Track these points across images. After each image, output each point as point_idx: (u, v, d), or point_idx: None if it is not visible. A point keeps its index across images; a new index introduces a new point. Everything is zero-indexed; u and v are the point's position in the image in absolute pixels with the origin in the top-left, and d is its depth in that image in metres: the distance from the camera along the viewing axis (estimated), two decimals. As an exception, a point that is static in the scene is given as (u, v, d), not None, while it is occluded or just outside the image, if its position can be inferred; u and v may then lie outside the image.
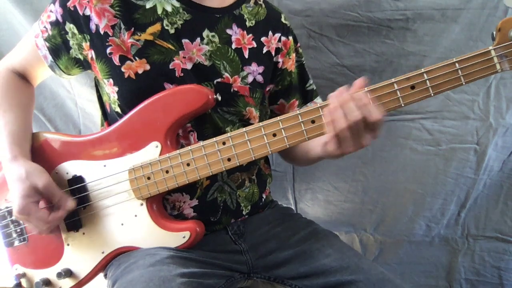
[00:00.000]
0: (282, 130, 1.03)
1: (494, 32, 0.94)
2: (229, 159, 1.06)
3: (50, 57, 1.18)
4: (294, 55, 1.31)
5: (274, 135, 1.04)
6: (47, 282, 1.17)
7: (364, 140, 0.95)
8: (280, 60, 1.28)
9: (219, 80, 1.16)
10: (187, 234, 1.10)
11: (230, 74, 1.17)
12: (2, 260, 1.25)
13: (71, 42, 1.14)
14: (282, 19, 1.30)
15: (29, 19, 1.54)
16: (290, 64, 1.30)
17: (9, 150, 1.12)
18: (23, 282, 1.20)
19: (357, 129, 0.94)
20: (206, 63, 1.15)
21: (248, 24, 1.22)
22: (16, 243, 1.21)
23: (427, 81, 0.96)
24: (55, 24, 1.14)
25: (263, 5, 1.28)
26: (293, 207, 1.88)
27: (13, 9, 1.56)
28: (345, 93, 0.95)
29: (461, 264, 1.87)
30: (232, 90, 1.18)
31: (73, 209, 1.11)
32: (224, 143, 1.06)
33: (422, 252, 1.88)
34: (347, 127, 0.93)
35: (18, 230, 1.20)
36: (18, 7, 1.55)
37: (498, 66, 0.94)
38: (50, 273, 1.17)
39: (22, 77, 1.27)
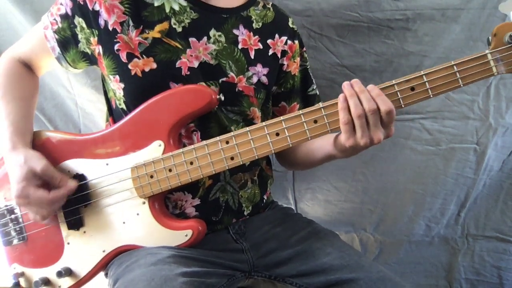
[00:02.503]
0: (285, 130, 1.04)
1: (490, 37, 0.98)
2: (232, 158, 1.07)
3: (58, 49, 1.19)
4: (298, 59, 1.32)
5: (277, 134, 1.05)
6: (46, 281, 1.17)
7: (376, 134, 0.97)
8: (285, 62, 1.28)
9: (224, 79, 1.16)
10: (189, 232, 1.10)
11: (235, 74, 1.17)
12: (1, 259, 1.24)
13: (79, 36, 1.15)
14: (290, 23, 1.31)
15: (29, 19, 1.54)
16: (294, 67, 1.30)
17: (10, 140, 1.12)
18: (22, 281, 1.19)
19: (372, 120, 0.96)
20: (212, 62, 1.15)
21: (255, 26, 1.23)
22: (15, 241, 1.21)
23: (426, 83, 0.99)
24: (65, 17, 1.14)
25: (272, 9, 1.29)
26: (293, 206, 1.88)
27: (13, 9, 1.56)
28: (358, 84, 0.98)
29: (461, 264, 1.87)
30: (236, 89, 1.18)
31: (75, 188, 1.12)
32: (227, 142, 1.06)
33: (422, 252, 1.88)
34: (362, 115, 0.95)
35: (18, 229, 1.20)
36: (18, 7, 1.55)
37: (494, 69, 0.97)
38: (49, 272, 1.17)
39: (27, 67, 1.28)
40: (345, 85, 0.99)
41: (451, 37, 1.53)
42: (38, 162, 1.08)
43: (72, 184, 1.11)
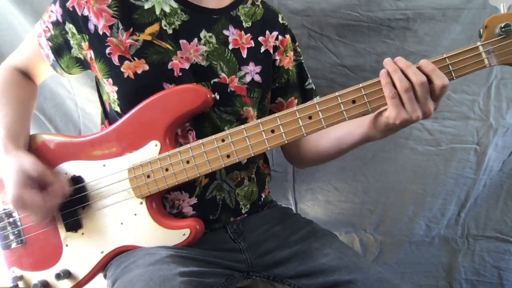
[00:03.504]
0: (280, 126, 1.04)
1: (481, 30, 0.98)
2: (228, 156, 1.07)
3: (52, 56, 1.19)
4: (291, 53, 1.31)
5: (273, 131, 1.04)
6: (45, 284, 1.17)
7: (428, 107, 0.95)
8: (277, 57, 1.27)
9: (216, 80, 1.16)
10: (187, 231, 1.09)
11: (226, 74, 1.17)
12: (0, 263, 1.24)
13: (71, 42, 1.15)
14: (279, 19, 1.30)
15: (29, 19, 1.54)
16: (287, 62, 1.30)
17: (3, 145, 1.12)
18: (21, 284, 1.19)
19: (422, 92, 0.93)
20: (203, 63, 1.15)
21: (245, 25, 1.22)
22: (14, 245, 1.20)
23: None
24: (56, 24, 1.14)
25: (260, 6, 1.28)
26: (293, 207, 1.88)
27: (13, 9, 1.56)
28: (403, 60, 0.96)
29: (461, 264, 1.87)
30: (228, 90, 1.17)
31: (70, 192, 1.11)
32: (223, 140, 1.06)
33: (422, 252, 1.88)
34: (409, 89, 0.93)
35: (16, 232, 1.20)
36: (18, 7, 1.55)
37: (486, 61, 0.97)
38: (48, 274, 1.17)
39: (25, 75, 1.28)
40: (387, 61, 0.97)
41: (451, 37, 1.53)
42: (33, 166, 1.07)
43: (67, 187, 1.11)
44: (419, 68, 0.95)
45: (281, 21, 1.30)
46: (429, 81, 0.94)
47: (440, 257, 1.88)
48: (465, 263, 1.87)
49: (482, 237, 1.82)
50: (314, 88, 1.36)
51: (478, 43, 0.97)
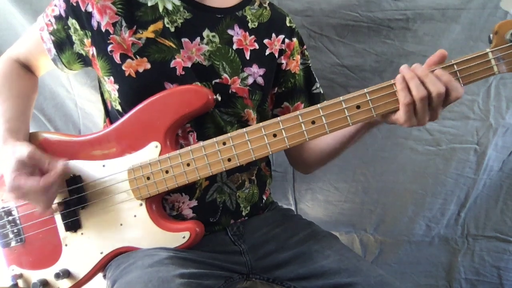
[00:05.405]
0: (283, 131, 1.03)
1: (491, 35, 0.95)
2: (229, 159, 1.06)
3: (54, 51, 1.19)
4: (298, 57, 1.30)
5: (275, 135, 1.03)
6: (44, 282, 1.17)
7: (436, 115, 0.95)
8: (283, 61, 1.26)
9: (217, 80, 1.15)
10: (186, 234, 1.09)
11: (229, 75, 1.16)
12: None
13: (73, 37, 1.14)
14: (287, 22, 1.29)
15: (29, 19, 1.54)
16: (293, 65, 1.28)
17: (2, 137, 1.11)
18: (20, 283, 1.19)
19: (437, 102, 0.93)
20: (205, 63, 1.14)
21: (250, 25, 1.21)
22: (13, 243, 1.21)
23: None
24: (59, 18, 1.14)
25: (268, 8, 1.27)
26: (293, 207, 1.88)
27: (13, 9, 1.57)
28: (421, 68, 0.94)
29: (461, 263, 1.87)
30: (230, 91, 1.16)
31: (64, 168, 1.07)
32: (224, 143, 1.05)
33: (422, 252, 1.88)
34: (425, 98, 0.92)
35: (15, 231, 1.20)
36: (18, 7, 1.55)
37: (495, 69, 0.94)
38: (47, 273, 1.17)
39: (26, 67, 1.28)
40: (403, 68, 0.95)
41: (451, 37, 1.53)
42: (25, 149, 1.05)
43: (61, 165, 1.06)
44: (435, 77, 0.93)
45: (288, 24, 1.28)
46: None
47: (440, 257, 1.89)
48: (464, 262, 1.87)
49: (481, 237, 1.83)
50: (322, 92, 1.35)
51: (488, 50, 0.94)
